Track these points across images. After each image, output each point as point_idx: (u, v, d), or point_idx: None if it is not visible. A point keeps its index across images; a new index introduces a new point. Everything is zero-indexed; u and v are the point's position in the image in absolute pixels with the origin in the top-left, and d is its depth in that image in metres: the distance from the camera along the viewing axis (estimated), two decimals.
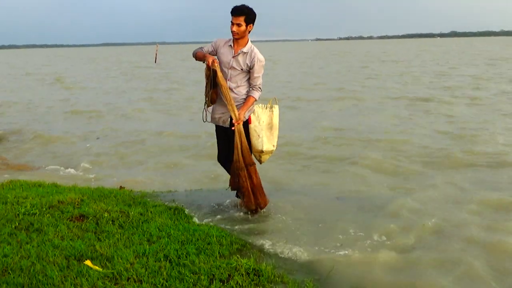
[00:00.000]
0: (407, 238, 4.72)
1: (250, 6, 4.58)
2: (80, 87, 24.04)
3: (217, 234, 4.52)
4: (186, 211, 5.30)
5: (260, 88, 4.82)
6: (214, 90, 4.75)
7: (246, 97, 4.79)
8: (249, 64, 4.70)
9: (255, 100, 4.83)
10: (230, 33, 4.67)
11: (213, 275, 3.67)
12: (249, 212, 5.13)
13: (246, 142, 4.80)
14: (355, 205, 5.72)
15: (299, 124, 11.36)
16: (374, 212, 5.46)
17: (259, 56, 4.70)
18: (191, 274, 3.65)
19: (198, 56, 4.82)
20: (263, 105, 4.98)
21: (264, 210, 5.22)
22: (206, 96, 4.89)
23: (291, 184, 6.76)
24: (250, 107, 4.85)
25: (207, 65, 4.66)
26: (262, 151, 4.90)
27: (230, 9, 4.53)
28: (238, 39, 4.67)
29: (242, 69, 4.73)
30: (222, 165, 5.24)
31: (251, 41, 4.78)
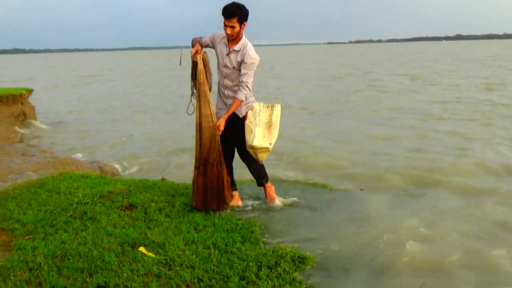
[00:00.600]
0: None
1: (239, 3, 4.27)
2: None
3: (259, 224, 4.56)
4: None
5: (247, 87, 4.47)
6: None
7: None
8: (239, 61, 4.44)
9: (241, 102, 4.56)
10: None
11: (261, 262, 3.70)
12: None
13: (217, 139, 4.56)
14: (390, 200, 5.64)
15: None
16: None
17: (250, 53, 4.38)
18: (240, 261, 3.68)
19: (192, 44, 4.59)
20: (264, 104, 4.76)
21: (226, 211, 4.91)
22: (192, 87, 4.65)
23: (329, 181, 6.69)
24: (248, 104, 4.70)
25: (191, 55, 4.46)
26: (252, 147, 4.64)
27: (222, 10, 4.22)
28: (233, 39, 4.45)
29: (234, 67, 4.48)
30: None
31: (250, 40, 4.55)
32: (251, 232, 4.36)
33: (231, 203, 4.96)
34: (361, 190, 6.07)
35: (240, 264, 3.66)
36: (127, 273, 3.35)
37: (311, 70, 34.11)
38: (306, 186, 6.19)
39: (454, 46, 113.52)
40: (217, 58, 4.60)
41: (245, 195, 5.53)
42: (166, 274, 3.38)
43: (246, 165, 4.99)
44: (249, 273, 3.51)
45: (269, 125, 4.70)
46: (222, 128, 4.47)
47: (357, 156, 8.03)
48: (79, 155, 8.38)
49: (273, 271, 3.59)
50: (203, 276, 3.38)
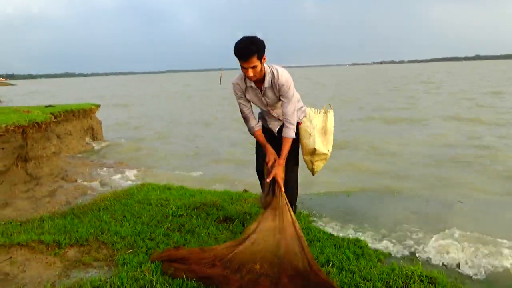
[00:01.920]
0: None
1: (251, 35, 3.25)
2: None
3: (363, 239, 4.00)
4: (313, 213, 4.81)
5: (291, 121, 3.62)
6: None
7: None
8: (277, 93, 3.60)
9: (292, 140, 3.65)
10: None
11: (387, 282, 3.14)
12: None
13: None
14: None
15: None
16: None
17: (281, 80, 3.47)
18: (365, 281, 3.15)
19: (258, 138, 3.80)
20: (316, 110, 4.17)
21: None
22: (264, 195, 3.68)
23: None
24: (302, 109, 3.97)
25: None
26: (314, 150, 4.01)
27: (234, 51, 3.22)
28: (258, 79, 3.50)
29: (278, 99, 3.67)
30: (259, 175, 4.04)
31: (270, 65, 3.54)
32: (360, 247, 3.81)
33: None
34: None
35: (366, 284, 3.10)
36: None
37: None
38: None
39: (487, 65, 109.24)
40: (254, 103, 3.76)
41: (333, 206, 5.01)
42: None
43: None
44: None
45: (324, 131, 4.15)
46: (282, 176, 3.56)
47: None
48: (151, 165, 8.07)
49: None
50: None
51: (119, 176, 6.62)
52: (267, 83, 3.50)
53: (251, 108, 3.72)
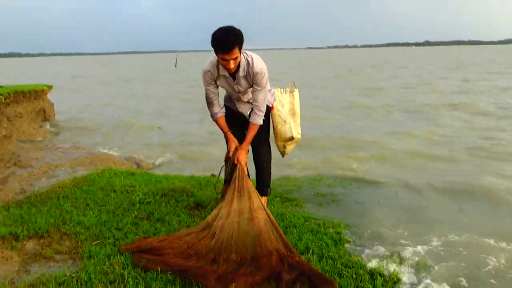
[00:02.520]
0: None
1: (228, 26, 3.04)
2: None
3: (342, 224, 3.93)
4: (287, 197, 4.68)
5: (261, 108, 3.44)
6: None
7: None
8: (251, 81, 3.38)
9: (258, 127, 3.48)
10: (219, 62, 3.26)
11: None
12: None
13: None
14: None
15: None
16: None
17: (256, 69, 3.26)
18: (347, 268, 3.05)
19: (220, 125, 3.57)
20: (282, 89, 3.93)
21: None
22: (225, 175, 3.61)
23: None
24: (271, 92, 3.71)
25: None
26: (292, 138, 3.83)
27: (212, 43, 3.03)
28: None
29: (250, 86, 3.45)
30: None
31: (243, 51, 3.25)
32: (337, 233, 3.72)
33: None
34: None
35: (348, 271, 3.00)
36: None
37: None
38: None
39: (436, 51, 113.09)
40: (225, 89, 3.58)
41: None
42: None
43: (259, 169, 3.79)
44: (364, 282, 2.86)
45: (292, 113, 3.95)
46: (245, 160, 3.46)
47: None
48: (109, 151, 7.65)
49: (387, 280, 2.95)
50: None
51: (76, 161, 6.19)
52: (241, 72, 3.28)
53: (218, 94, 3.53)
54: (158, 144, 8.64)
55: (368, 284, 2.87)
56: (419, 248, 3.56)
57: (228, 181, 3.53)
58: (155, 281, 2.78)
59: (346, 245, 3.56)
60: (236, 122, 3.63)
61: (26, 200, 4.18)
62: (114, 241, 3.35)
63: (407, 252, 3.44)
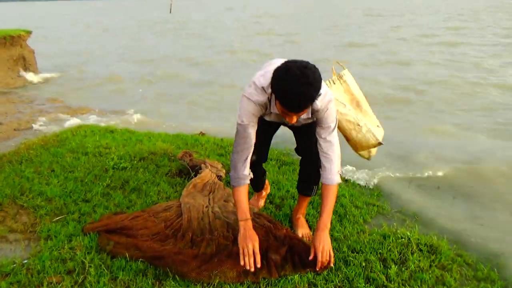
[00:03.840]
0: None
1: (306, 70, 1.94)
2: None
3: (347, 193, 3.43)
4: (291, 159, 4.17)
5: (336, 163, 2.43)
6: None
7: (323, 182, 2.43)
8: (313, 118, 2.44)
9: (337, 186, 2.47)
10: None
11: (380, 253, 2.60)
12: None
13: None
14: None
15: None
16: None
17: (317, 105, 2.28)
18: (354, 253, 2.59)
19: (239, 197, 2.39)
20: (329, 80, 3.04)
21: None
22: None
23: None
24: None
25: None
26: (380, 144, 3.00)
27: (279, 95, 2.00)
28: None
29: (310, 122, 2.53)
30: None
31: None
32: (341, 205, 3.25)
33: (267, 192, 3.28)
34: None
35: (356, 257, 2.57)
36: None
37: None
38: None
39: None
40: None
41: None
42: None
43: (307, 162, 2.72)
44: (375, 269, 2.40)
45: (356, 103, 3.07)
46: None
47: None
48: (91, 104, 7.04)
49: (402, 267, 2.49)
50: None
51: (51, 116, 5.61)
52: (305, 115, 2.34)
53: (254, 145, 2.37)
54: (146, 97, 8.02)
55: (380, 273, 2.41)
56: None
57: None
58: (122, 271, 2.32)
59: (353, 220, 3.08)
60: (268, 130, 2.67)
61: None
62: (79, 217, 2.87)
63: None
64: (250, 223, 2.29)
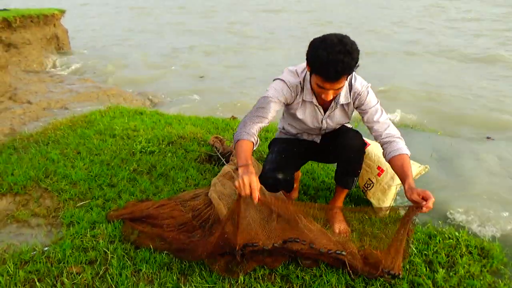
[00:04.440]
0: None
1: (347, 40, 1.93)
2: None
3: None
4: None
5: (398, 135, 2.27)
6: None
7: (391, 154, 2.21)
8: (352, 108, 2.40)
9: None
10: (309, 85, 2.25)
11: (426, 255, 2.36)
12: None
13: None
14: None
15: None
16: None
17: (356, 87, 2.29)
18: None
19: (241, 150, 2.09)
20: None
21: None
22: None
23: None
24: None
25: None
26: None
27: (312, 60, 1.99)
28: None
29: (346, 121, 2.51)
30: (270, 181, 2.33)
31: None
32: None
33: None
34: None
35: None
36: None
37: None
38: None
39: None
40: (294, 122, 2.51)
41: None
42: None
43: (344, 148, 2.41)
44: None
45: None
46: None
47: None
48: (121, 85, 6.96)
49: (450, 271, 2.25)
50: None
51: (81, 96, 5.55)
52: (343, 98, 2.30)
53: (269, 122, 2.25)
54: (177, 80, 7.88)
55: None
56: None
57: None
58: (146, 264, 2.17)
59: None
60: (296, 151, 2.53)
61: (9, 144, 3.59)
62: (103, 202, 2.74)
63: None
64: (251, 167, 1.95)
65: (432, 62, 8.79)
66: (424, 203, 1.90)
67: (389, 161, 2.21)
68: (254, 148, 2.19)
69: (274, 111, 2.23)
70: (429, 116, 5.41)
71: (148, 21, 16.08)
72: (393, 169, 2.21)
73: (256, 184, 1.89)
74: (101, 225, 2.48)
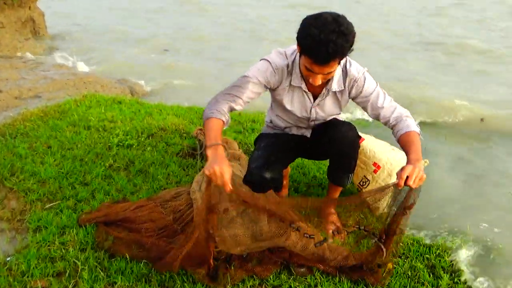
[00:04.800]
0: None
1: (342, 19, 1.73)
2: None
3: None
4: None
5: (406, 113, 2.08)
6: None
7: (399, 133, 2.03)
8: (347, 100, 2.20)
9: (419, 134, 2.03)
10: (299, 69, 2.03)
11: (427, 258, 2.18)
12: None
13: None
14: None
15: None
16: None
17: (352, 73, 2.07)
18: (397, 259, 2.17)
19: (211, 127, 1.91)
20: None
21: None
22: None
23: None
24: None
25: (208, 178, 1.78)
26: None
27: (302, 41, 1.77)
28: None
29: (337, 113, 2.29)
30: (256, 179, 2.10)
31: None
32: None
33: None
34: None
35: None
36: None
37: None
38: None
39: None
40: (282, 111, 2.27)
41: None
42: None
43: (336, 141, 2.16)
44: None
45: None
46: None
47: None
48: (101, 72, 6.62)
49: (455, 277, 2.08)
50: None
51: (56, 84, 5.21)
52: (336, 85, 2.08)
53: (244, 104, 2.05)
54: (161, 65, 7.54)
55: None
56: None
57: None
58: (121, 275, 1.94)
59: None
60: (285, 147, 2.29)
61: None
62: (75, 204, 2.50)
63: None
64: (221, 149, 1.80)
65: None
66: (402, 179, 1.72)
67: (398, 141, 2.03)
68: (224, 128, 1.99)
69: (251, 93, 2.01)
70: None
71: (129, 5, 15.55)
72: (402, 149, 2.01)
73: (228, 175, 1.72)
74: (71, 230, 2.24)
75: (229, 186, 1.71)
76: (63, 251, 2.08)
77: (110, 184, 2.69)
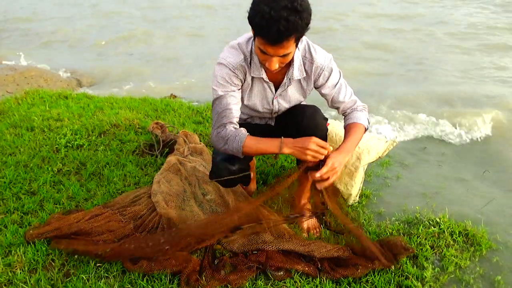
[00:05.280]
0: None
1: (305, 4, 1.58)
2: None
3: None
4: None
5: (360, 105, 2.08)
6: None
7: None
8: (312, 86, 2.06)
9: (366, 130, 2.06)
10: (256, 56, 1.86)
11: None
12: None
13: None
14: None
15: None
16: None
17: (319, 62, 1.94)
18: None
19: (252, 147, 1.82)
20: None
21: None
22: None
23: None
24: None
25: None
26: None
27: (252, 18, 1.60)
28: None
29: (301, 101, 2.15)
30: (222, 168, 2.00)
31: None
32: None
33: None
34: None
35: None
36: None
37: None
38: None
39: None
40: (245, 106, 2.10)
41: None
42: None
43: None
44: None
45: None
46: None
47: None
48: (44, 64, 6.18)
49: (438, 266, 2.01)
50: None
51: None
52: (297, 73, 1.94)
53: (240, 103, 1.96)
54: (108, 57, 7.15)
55: None
56: None
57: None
58: None
59: None
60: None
61: None
62: (21, 217, 2.24)
63: None
64: (281, 139, 1.78)
65: None
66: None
67: (344, 129, 2.03)
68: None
69: (236, 104, 1.89)
70: None
71: None
72: (345, 131, 2.01)
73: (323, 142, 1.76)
74: (18, 248, 1.99)
75: (327, 146, 1.75)
76: (10, 274, 1.84)
77: (60, 192, 2.44)
